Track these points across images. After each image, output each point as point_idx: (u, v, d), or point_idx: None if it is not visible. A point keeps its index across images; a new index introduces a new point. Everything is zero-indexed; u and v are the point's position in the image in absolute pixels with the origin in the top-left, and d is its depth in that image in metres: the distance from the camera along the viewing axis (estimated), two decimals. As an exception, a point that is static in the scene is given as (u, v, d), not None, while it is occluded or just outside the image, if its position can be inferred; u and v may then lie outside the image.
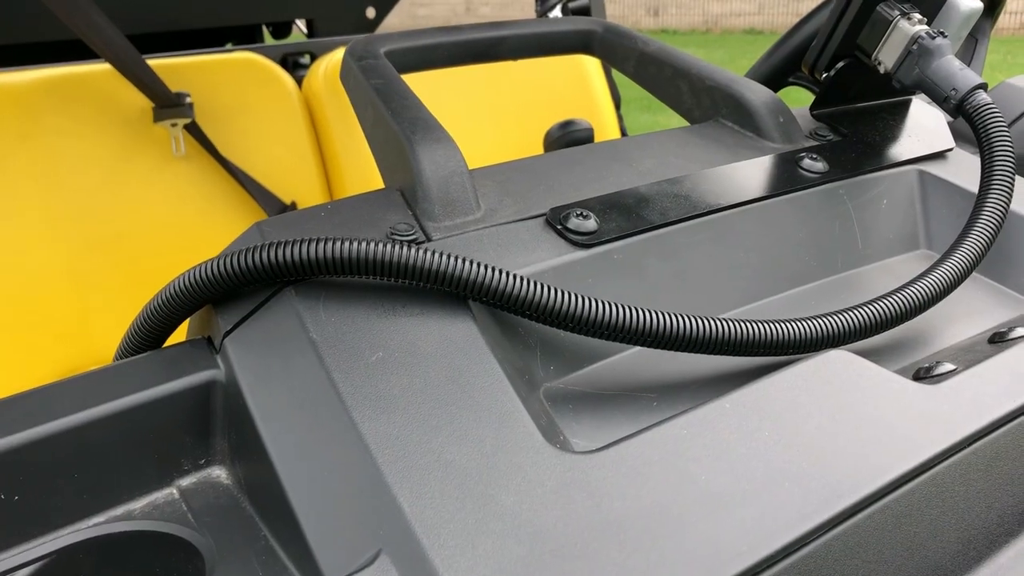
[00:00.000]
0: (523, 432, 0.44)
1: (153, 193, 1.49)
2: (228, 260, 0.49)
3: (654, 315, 0.50)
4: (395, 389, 0.45)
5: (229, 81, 1.57)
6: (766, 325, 0.53)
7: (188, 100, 1.48)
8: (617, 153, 0.68)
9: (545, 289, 0.50)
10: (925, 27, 0.71)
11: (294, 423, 0.46)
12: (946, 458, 0.47)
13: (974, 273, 0.71)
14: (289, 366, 0.48)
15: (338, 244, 0.48)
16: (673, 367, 0.57)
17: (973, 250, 0.61)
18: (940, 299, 0.59)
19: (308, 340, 0.48)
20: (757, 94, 0.75)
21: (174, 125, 1.49)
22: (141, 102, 1.46)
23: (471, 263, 0.49)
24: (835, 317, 0.54)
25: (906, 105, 0.82)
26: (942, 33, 0.71)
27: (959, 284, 0.60)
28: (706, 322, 0.51)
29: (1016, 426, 0.50)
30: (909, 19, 0.72)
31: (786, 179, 0.68)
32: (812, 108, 0.79)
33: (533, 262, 0.56)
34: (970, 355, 0.56)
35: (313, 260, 0.48)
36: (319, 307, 0.50)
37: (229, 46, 2.25)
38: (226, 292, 0.51)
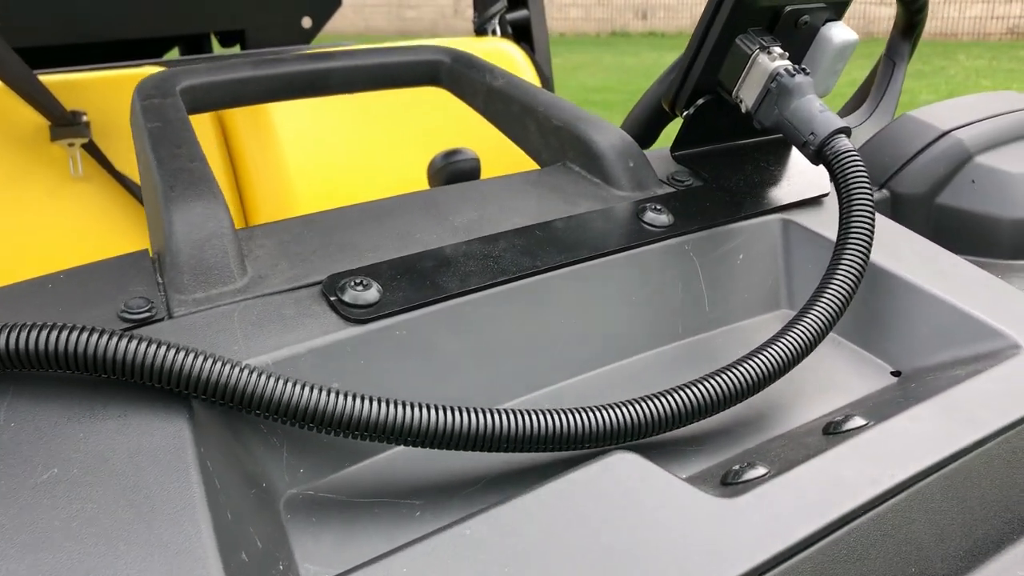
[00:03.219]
0: None
1: (49, 217, 1.41)
2: None
3: (402, 410, 0.43)
4: (57, 519, 0.38)
5: None
6: (545, 417, 0.45)
7: (85, 119, 1.41)
8: (432, 205, 0.61)
9: (275, 383, 0.42)
10: (786, 63, 0.64)
11: None
12: None
13: (836, 336, 0.64)
14: None
15: (13, 334, 0.41)
16: (446, 466, 0.49)
17: (820, 319, 0.54)
18: (772, 381, 0.51)
19: None
20: (606, 136, 0.67)
21: (71, 145, 1.41)
22: (37, 120, 1.39)
23: (183, 354, 0.42)
24: (630, 407, 0.47)
25: (782, 144, 0.75)
26: (803, 70, 0.63)
27: (799, 361, 0.53)
28: (469, 416, 0.44)
29: (826, 545, 0.43)
30: (769, 53, 0.65)
31: (623, 234, 0.60)
32: (672, 148, 0.72)
33: (292, 343, 0.48)
34: (795, 451, 0.49)
35: None
36: (1, 408, 0.42)
37: (177, 56, 2.17)
38: None
